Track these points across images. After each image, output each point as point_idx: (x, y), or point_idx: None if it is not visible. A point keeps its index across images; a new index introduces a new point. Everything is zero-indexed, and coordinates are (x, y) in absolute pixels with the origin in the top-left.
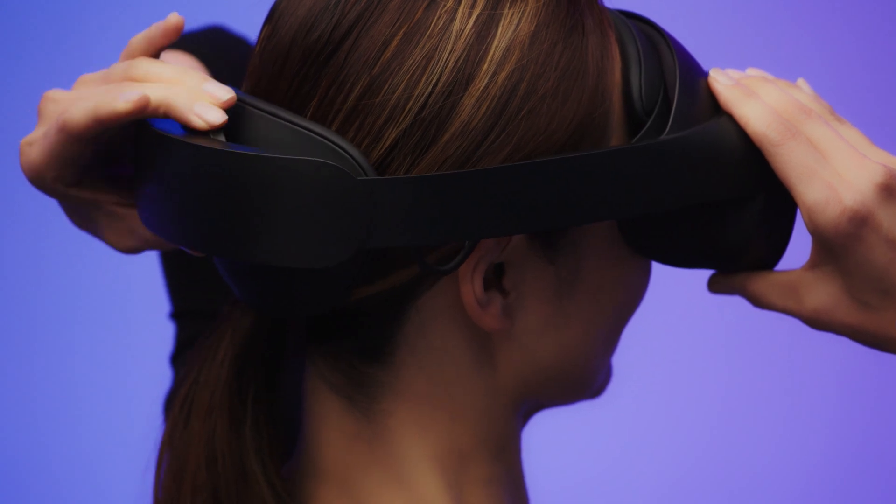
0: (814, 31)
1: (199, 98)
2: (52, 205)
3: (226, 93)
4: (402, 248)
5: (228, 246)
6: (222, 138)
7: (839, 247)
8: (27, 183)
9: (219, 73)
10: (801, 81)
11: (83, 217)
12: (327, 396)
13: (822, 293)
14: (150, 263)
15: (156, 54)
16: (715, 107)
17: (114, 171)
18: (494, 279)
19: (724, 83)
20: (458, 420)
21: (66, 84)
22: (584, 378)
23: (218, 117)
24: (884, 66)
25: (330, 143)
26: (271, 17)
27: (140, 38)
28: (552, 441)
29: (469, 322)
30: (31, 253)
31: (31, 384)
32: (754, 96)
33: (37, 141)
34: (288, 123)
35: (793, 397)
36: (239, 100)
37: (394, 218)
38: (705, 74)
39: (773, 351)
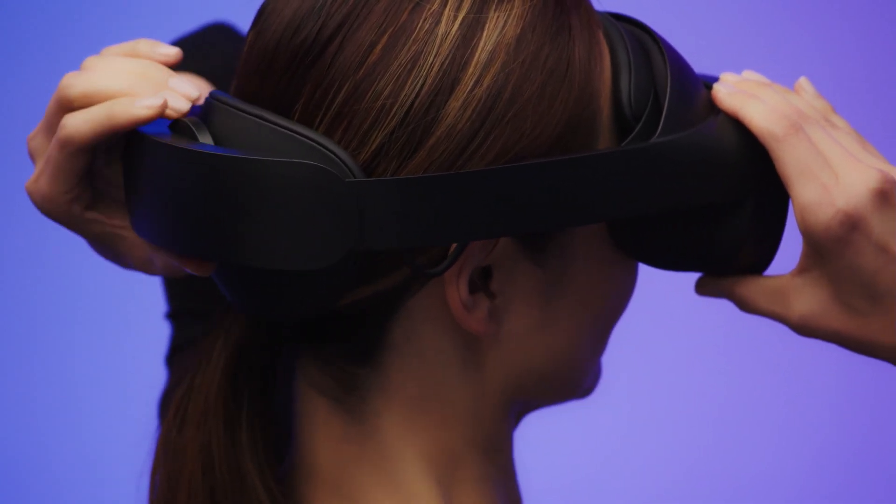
0: (814, 31)
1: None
2: None
3: (193, 89)
4: (393, 251)
5: (218, 249)
6: (210, 141)
7: (829, 250)
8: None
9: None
10: (803, 80)
11: (106, 246)
12: (316, 399)
13: (810, 298)
14: None
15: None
16: (709, 111)
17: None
18: (481, 282)
19: (727, 89)
20: (447, 421)
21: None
22: (573, 379)
23: (180, 104)
24: (884, 66)
25: (318, 146)
26: (258, 20)
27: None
28: (545, 440)
29: (457, 325)
30: (31, 253)
31: (31, 384)
32: (757, 98)
33: (40, 172)
34: (275, 126)
35: (789, 397)
36: (226, 103)
37: (383, 220)
38: (697, 77)
39: (768, 350)
